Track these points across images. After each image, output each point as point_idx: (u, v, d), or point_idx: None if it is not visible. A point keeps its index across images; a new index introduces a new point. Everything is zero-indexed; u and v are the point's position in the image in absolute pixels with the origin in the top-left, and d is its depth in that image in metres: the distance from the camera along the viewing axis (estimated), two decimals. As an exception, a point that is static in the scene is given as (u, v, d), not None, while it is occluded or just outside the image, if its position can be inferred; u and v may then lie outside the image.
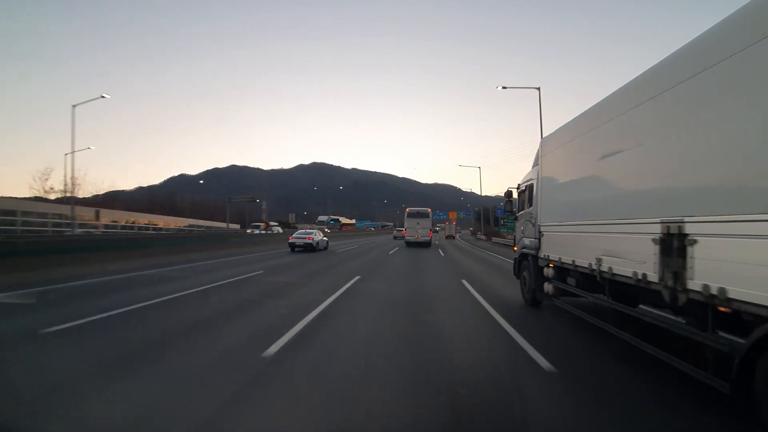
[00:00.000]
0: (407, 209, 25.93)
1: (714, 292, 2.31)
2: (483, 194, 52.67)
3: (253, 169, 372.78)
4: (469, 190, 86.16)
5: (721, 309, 2.35)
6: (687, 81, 2.72)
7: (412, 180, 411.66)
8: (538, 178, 5.99)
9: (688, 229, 2.58)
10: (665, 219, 2.81)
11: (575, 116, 4.94)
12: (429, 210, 26.59)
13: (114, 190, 59.71)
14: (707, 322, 2.45)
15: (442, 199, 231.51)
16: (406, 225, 25.59)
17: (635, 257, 3.20)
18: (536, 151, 6.30)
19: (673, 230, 2.71)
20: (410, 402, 2.63)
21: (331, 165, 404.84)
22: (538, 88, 18.11)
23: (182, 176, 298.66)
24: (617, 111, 3.70)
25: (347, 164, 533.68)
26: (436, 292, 7.44)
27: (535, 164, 6.22)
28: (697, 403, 2.61)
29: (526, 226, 6.46)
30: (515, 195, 7.32)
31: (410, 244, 24.13)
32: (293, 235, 19.76)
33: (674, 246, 2.70)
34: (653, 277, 2.93)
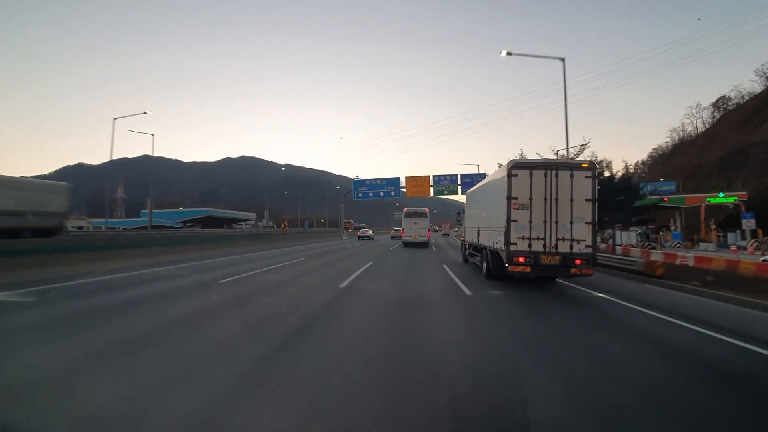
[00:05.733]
0: (404, 209, 27.42)
1: (482, 243, 11.29)
2: (422, 195, 62.65)
3: (170, 160, 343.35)
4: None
5: (482, 247, 11.43)
6: (482, 192, 11.77)
7: (349, 177, 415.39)
8: (466, 208, 15.12)
9: (481, 229, 11.81)
10: (478, 226, 12.11)
11: (470, 190, 13.91)
12: (427, 210, 27.68)
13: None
14: (484, 252, 11.26)
15: (379, 198, 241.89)
16: (403, 225, 26.84)
17: (474, 236, 12.55)
18: (466, 194, 15.35)
19: (479, 229, 11.92)
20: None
21: (262, 160, 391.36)
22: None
23: (80, 166, 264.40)
24: (473, 197, 13.24)
25: (280, 160, 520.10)
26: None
27: (465, 202, 15.19)
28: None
29: (462, 228, 16.08)
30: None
31: (408, 245, 25.67)
32: (359, 231, 41.85)
33: (479, 233, 11.99)
34: (477, 241, 12.16)
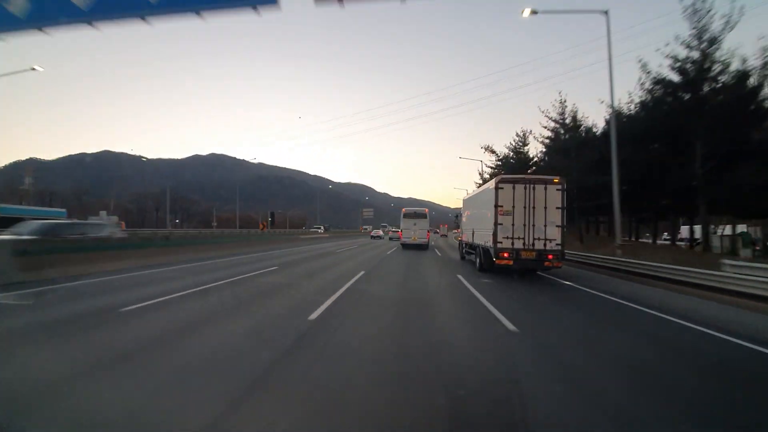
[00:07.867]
0: (403, 210, 27.36)
1: (476, 242, 13.77)
2: (397, 195, 66.22)
3: (132, 156, 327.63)
4: (383, 192, 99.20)
5: (476, 245, 13.76)
6: (475, 199, 14.13)
7: (324, 177, 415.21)
8: (463, 212, 17.78)
9: (476, 230, 14.06)
10: (473, 228, 14.25)
11: (466, 197, 16.71)
12: (426, 210, 27.62)
13: None
14: (477, 249, 13.56)
15: (354, 198, 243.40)
16: (402, 226, 26.68)
17: (470, 236, 15.35)
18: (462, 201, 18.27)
19: (473, 230, 14.28)
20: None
21: (234, 158, 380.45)
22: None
23: (33, 161, 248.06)
24: (468, 203, 16.00)
25: (253, 158, 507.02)
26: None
27: (462, 207, 17.84)
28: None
29: (460, 230, 19.10)
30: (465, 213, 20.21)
31: (407, 246, 25.58)
32: (371, 232, 52.56)
33: (473, 233, 14.44)
34: (472, 240, 14.40)
